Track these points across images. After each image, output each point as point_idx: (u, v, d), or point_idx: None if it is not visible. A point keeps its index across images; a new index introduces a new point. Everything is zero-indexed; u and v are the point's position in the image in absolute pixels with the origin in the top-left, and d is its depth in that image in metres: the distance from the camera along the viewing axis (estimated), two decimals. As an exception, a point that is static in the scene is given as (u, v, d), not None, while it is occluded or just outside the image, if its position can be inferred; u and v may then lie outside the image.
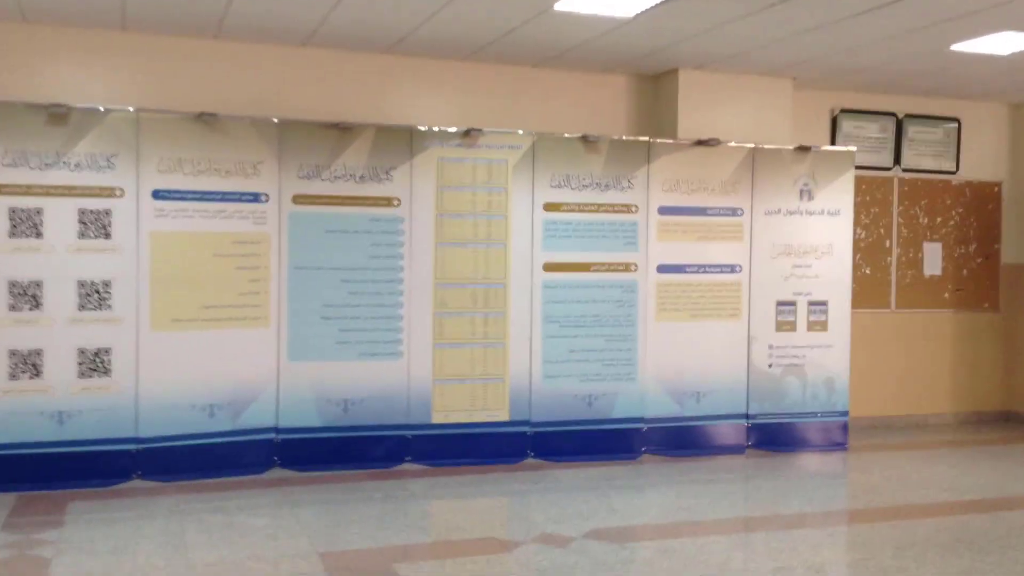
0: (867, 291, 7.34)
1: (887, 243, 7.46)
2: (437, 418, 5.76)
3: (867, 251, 7.37)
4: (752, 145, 6.33)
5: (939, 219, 7.60)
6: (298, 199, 5.52)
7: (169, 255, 5.23)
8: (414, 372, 5.70)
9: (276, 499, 4.97)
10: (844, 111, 7.30)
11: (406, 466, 5.68)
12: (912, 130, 7.50)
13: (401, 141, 5.65)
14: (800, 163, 6.41)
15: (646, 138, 6.16)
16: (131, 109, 5.22)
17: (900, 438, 7.03)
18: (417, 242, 5.69)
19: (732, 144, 6.29)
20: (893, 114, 7.43)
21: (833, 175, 6.48)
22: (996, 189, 7.77)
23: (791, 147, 6.41)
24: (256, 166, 5.43)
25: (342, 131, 5.56)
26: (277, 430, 5.52)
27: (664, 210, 6.15)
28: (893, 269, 7.48)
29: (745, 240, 6.31)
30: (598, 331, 6.02)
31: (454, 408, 5.79)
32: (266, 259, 5.46)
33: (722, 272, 6.28)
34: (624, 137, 6.22)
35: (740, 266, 6.31)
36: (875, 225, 7.42)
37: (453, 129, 5.77)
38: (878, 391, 7.39)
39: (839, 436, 6.53)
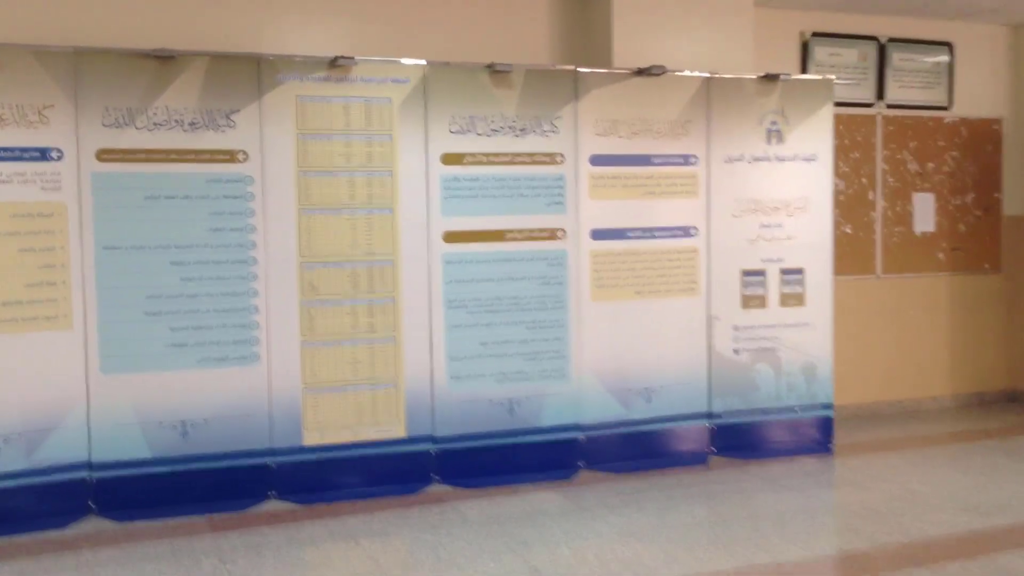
0: (848, 254, 6.27)
1: (870, 195, 6.40)
2: (310, 439, 4.55)
3: (847, 205, 6.30)
4: (707, 74, 5.17)
5: (930, 165, 6.56)
6: (104, 155, 4.23)
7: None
8: (277, 380, 4.47)
9: (89, 566, 3.72)
10: (816, 35, 6.19)
11: (269, 506, 4.46)
12: (897, 57, 6.41)
13: (245, 74, 4.38)
14: (767, 96, 5.27)
15: (572, 67, 4.94)
16: None
17: (892, 432, 6.01)
18: (273, 209, 4.44)
19: (681, 73, 5.11)
20: (875, 38, 6.34)
21: (808, 111, 5.37)
22: (996, 127, 6.75)
23: (755, 76, 5.25)
24: (42, 112, 4.13)
25: (162, 62, 4.28)
26: (90, 466, 4.27)
27: (598, 160, 4.96)
28: (878, 226, 6.42)
29: (701, 195, 5.17)
30: (518, 317, 4.85)
31: (332, 425, 4.59)
32: (63, 237, 4.19)
33: (674, 236, 5.13)
34: (544, 67, 4.99)
35: (695, 228, 5.17)
36: (855, 174, 6.35)
37: (315, 56, 4.50)
38: (863, 374, 6.37)
39: (822, 435, 5.47)
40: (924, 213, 6.56)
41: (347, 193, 4.58)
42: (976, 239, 6.72)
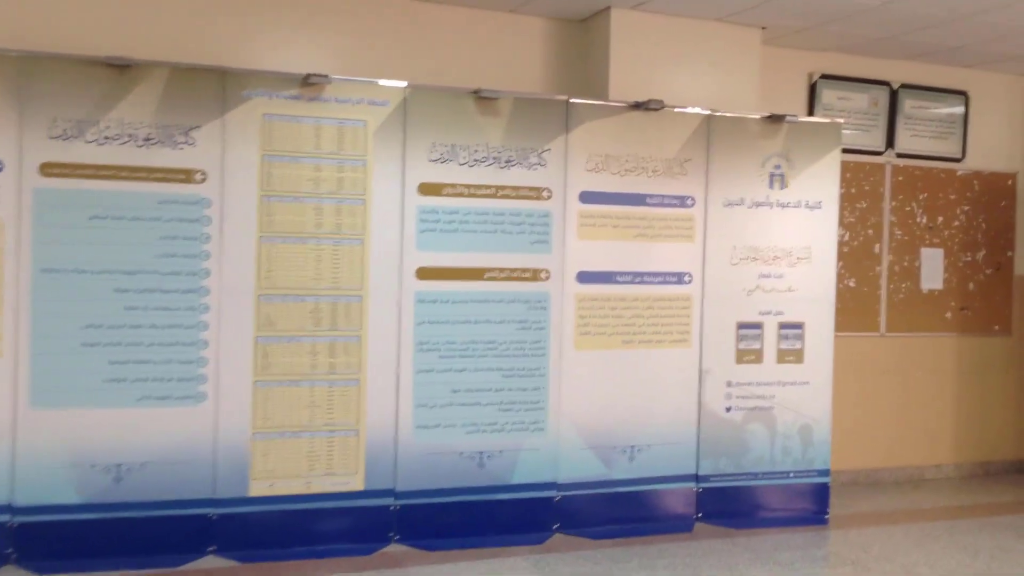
0: (851, 309, 5.94)
1: (876, 248, 6.08)
2: (257, 489, 4.18)
3: (851, 257, 5.98)
4: (708, 112, 4.86)
5: (940, 218, 6.25)
6: (49, 169, 3.90)
7: None
8: (224, 423, 4.11)
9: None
10: (825, 77, 5.91)
11: (208, 562, 4.07)
12: (909, 104, 6.13)
13: (208, 88, 4.06)
14: (771, 138, 4.97)
15: (564, 97, 4.63)
16: None
17: (893, 502, 5.64)
18: (231, 235, 4.10)
19: (681, 110, 4.80)
20: (886, 83, 6.06)
21: (814, 155, 5.06)
22: (1010, 182, 6.46)
23: (759, 116, 4.95)
24: (-20, 118, 3.79)
25: (118, 71, 3.96)
26: (12, 510, 3.90)
27: (588, 197, 4.64)
28: (884, 281, 6.09)
29: (697, 240, 4.84)
30: (493, 363, 4.49)
31: (283, 474, 4.21)
32: (-5, 256, 3.83)
33: (666, 283, 4.80)
34: (534, 95, 4.68)
35: (690, 275, 4.84)
36: (862, 225, 6.04)
37: (286, 73, 4.18)
38: (863, 438, 6.02)
39: (817, 504, 5.10)
40: (932, 269, 6.25)
41: (313, 220, 4.25)
42: (986, 299, 6.40)
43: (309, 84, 4.20)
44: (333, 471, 4.31)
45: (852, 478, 6.04)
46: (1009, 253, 6.48)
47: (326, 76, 4.22)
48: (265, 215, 4.18)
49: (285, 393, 4.24)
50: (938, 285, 6.27)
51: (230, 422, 4.16)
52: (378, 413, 4.36)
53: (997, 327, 6.46)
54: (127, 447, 4.03)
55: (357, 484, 4.34)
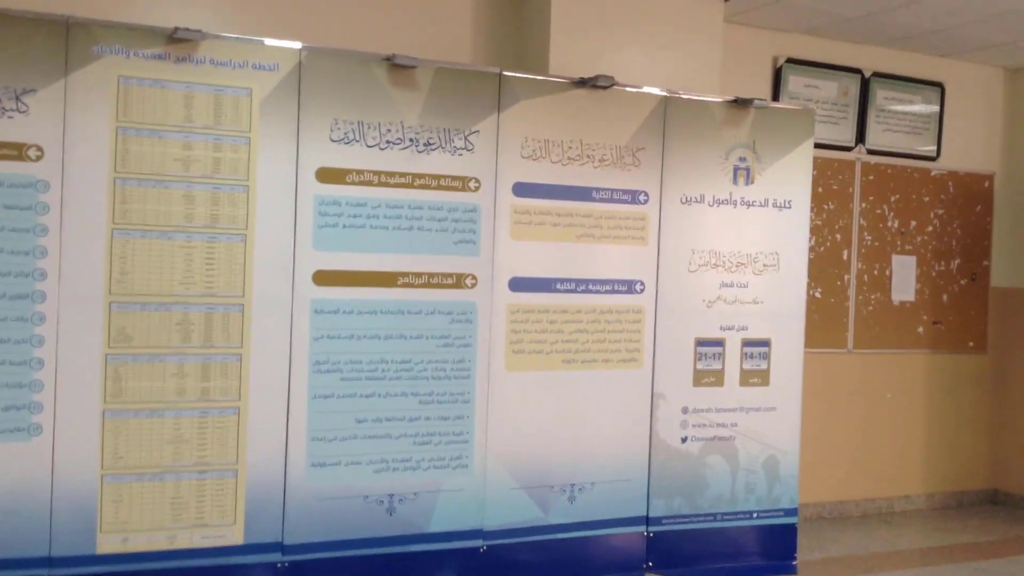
0: (817, 323, 5.34)
1: (844, 254, 5.48)
2: (107, 546, 3.38)
3: (817, 265, 5.38)
4: (665, 93, 4.18)
5: (914, 223, 5.69)
6: None
7: None
8: (64, 462, 3.32)
9: None
10: (792, 61, 5.29)
11: (37, 639, 3.23)
12: (882, 95, 5.56)
13: (47, 41, 3.25)
14: (736, 126, 4.31)
15: (496, 69, 3.90)
16: None
17: (864, 542, 5.05)
18: (74, 227, 3.29)
19: (634, 89, 4.12)
20: (858, 71, 5.47)
21: (783, 147, 4.43)
22: (987, 184, 5.94)
23: (723, 100, 4.29)
24: None
25: (-75, 14, 3.10)
26: None
27: (523, 189, 3.92)
28: (852, 292, 5.50)
29: (651, 242, 4.16)
30: (408, 387, 3.75)
31: (140, 527, 3.41)
32: None
33: (615, 292, 4.11)
34: (460, 65, 3.93)
35: (642, 283, 4.15)
36: (829, 228, 5.44)
37: (148, 26, 3.37)
38: (827, 467, 5.43)
39: (783, 549, 4.47)
40: (904, 279, 5.68)
41: (182, 211, 3.44)
42: (960, 312, 5.86)
43: (178, 41, 3.39)
44: (205, 522, 3.51)
45: (817, 512, 5.44)
46: (985, 262, 5.96)
47: (199, 31, 3.42)
48: (119, 203, 3.36)
49: (143, 425, 3.43)
50: (910, 296, 5.71)
51: (72, 461, 3.34)
52: (263, 449, 3.57)
53: (971, 343, 5.92)
54: (-69, 496, 3.17)
55: (235, 537, 3.55)
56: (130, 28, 3.37)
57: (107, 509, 3.39)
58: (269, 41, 3.54)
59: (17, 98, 3.23)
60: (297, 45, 3.58)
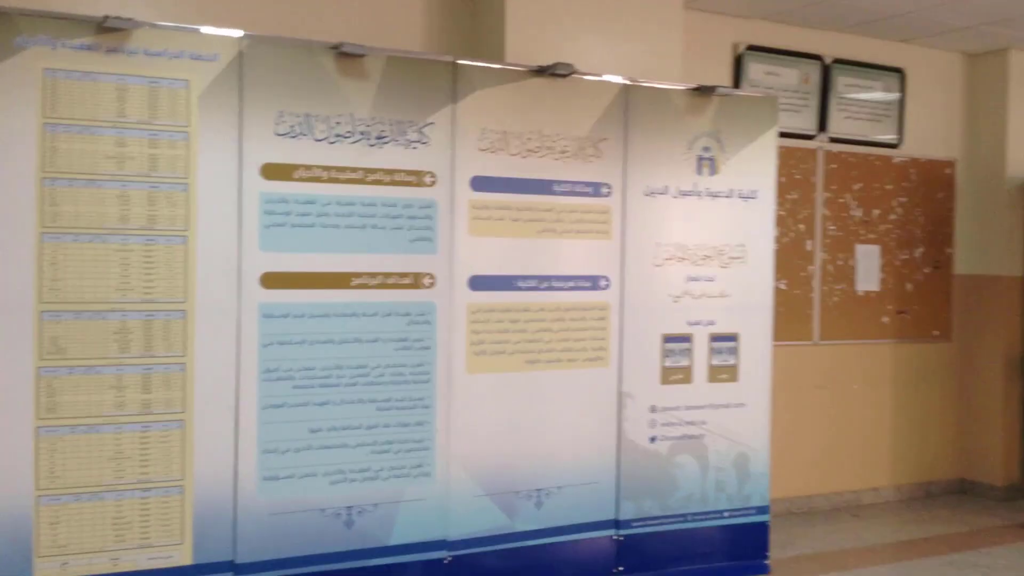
0: (782, 316, 5.24)
1: (808, 245, 5.39)
2: (45, 571, 3.17)
3: (782, 256, 5.29)
4: (626, 81, 4.04)
5: (876, 211, 5.63)
6: None
7: None
8: (-5, 484, 3.05)
9: None
10: (752, 48, 5.19)
11: (-33, 676, 3.00)
12: (843, 82, 5.49)
13: (-37, 31, 2.98)
14: (699, 114, 4.19)
15: (450, 58, 3.73)
16: None
17: (834, 537, 4.97)
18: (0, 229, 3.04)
19: (594, 78, 3.97)
20: (818, 57, 5.38)
21: (747, 136, 4.31)
22: (948, 171, 5.89)
23: (685, 87, 4.16)
24: None
25: None
26: None
27: (481, 183, 3.76)
28: (817, 283, 5.42)
29: (615, 236, 4.03)
30: (365, 393, 3.57)
31: (80, 549, 3.20)
32: None
33: (578, 288, 3.96)
34: (413, 54, 3.75)
35: (607, 279, 4.01)
36: (792, 218, 5.35)
37: (76, 15, 3.15)
38: (795, 461, 5.35)
39: (755, 548, 4.36)
40: (868, 269, 5.61)
41: (117, 212, 3.22)
42: (924, 301, 5.82)
43: (108, 30, 3.17)
44: (150, 542, 3.30)
45: (786, 507, 5.35)
46: (948, 250, 5.92)
47: (131, 20, 3.20)
48: (48, 204, 3.13)
49: (81, 441, 3.21)
50: (874, 286, 5.65)
51: (4, 482, 3.12)
52: (210, 463, 3.37)
53: (936, 332, 5.88)
54: None
55: (183, 558, 3.34)
56: (56, 17, 3.14)
57: (44, 532, 3.16)
58: (206, 29, 3.33)
59: (-68, 93, 2.99)
60: (238, 33, 3.37)
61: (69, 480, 3.19)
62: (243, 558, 3.41)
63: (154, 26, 3.25)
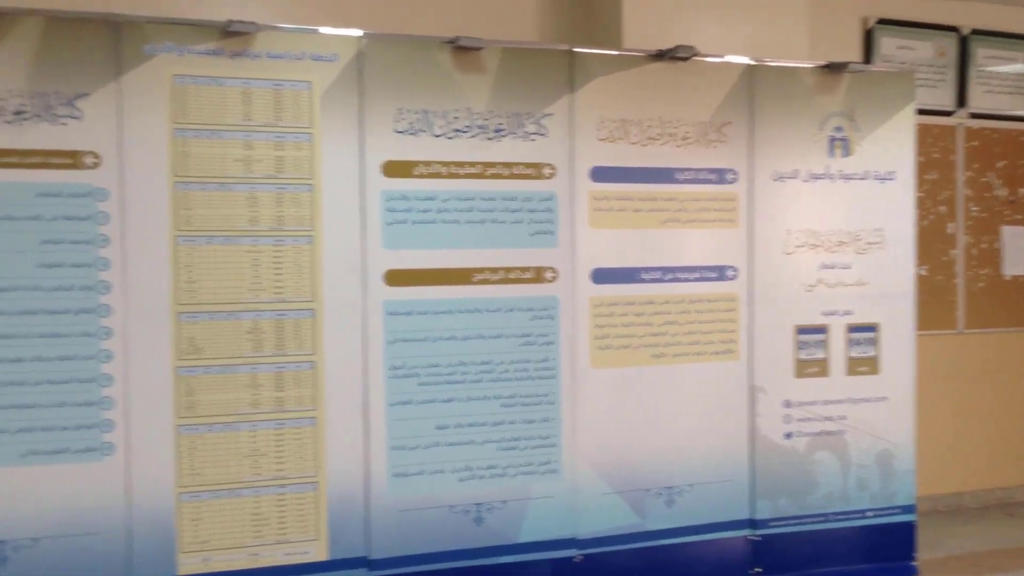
0: (923, 303, 4.95)
1: (949, 227, 5.11)
2: (189, 566, 3.26)
3: (921, 240, 4.98)
4: (750, 61, 3.89)
5: (1022, 190, 5.26)
6: None
7: None
8: (139, 481, 3.19)
9: None
10: (883, 22, 4.94)
11: (118, 666, 3.12)
12: (982, 54, 5.16)
13: (98, 43, 3.12)
14: (829, 93, 4.00)
15: (567, 46, 3.67)
16: None
17: (989, 538, 4.68)
18: (136, 236, 3.16)
19: (716, 59, 3.84)
20: (955, 29, 5.08)
21: (883, 114, 4.10)
22: (1104, 144, 5.46)
23: (813, 65, 3.98)
24: None
25: (-24, 23, 3.00)
26: None
27: (601, 174, 3.69)
28: (960, 268, 5.12)
29: (741, 224, 3.89)
30: (490, 390, 3.55)
31: (222, 545, 3.28)
32: None
33: (704, 279, 3.84)
34: (528, 44, 3.72)
35: (734, 269, 3.88)
36: (931, 200, 5.07)
37: (200, 21, 3.23)
38: (940, 457, 5.06)
39: (902, 549, 4.13)
40: (1016, 251, 5.28)
41: (247, 214, 3.30)
42: (1081, 285, 5.42)
43: (232, 35, 3.25)
44: (287, 538, 3.36)
45: (931, 505, 5.08)
46: (1106, 229, 5.50)
47: (253, 23, 3.26)
48: (181, 208, 3.23)
49: (219, 439, 3.29)
50: (1023, 270, 5.29)
51: (147, 480, 3.22)
52: (342, 460, 3.41)
53: (1094, 318, 5.47)
54: (12, 519, 3.09)
55: (319, 553, 3.39)
56: (182, 24, 3.24)
57: (186, 528, 3.26)
58: (326, 30, 3.38)
59: (70, 104, 3.12)
60: (357, 33, 3.40)
61: (208, 477, 3.28)
62: (376, 554, 3.43)
63: (275, 28, 3.31)
